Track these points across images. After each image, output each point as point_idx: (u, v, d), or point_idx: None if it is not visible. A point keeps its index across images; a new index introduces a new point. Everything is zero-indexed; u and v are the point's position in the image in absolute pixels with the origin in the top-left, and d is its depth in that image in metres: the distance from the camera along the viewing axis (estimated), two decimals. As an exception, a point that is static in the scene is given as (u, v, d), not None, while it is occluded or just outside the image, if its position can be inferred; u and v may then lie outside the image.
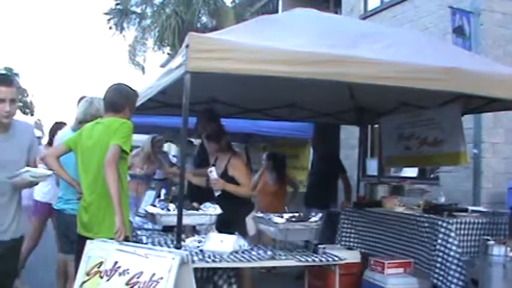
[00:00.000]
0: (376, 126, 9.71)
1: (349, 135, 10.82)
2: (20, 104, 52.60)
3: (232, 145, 6.55)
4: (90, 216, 4.57)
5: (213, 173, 5.90)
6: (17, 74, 51.74)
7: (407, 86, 5.12)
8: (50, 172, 4.55)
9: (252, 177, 9.24)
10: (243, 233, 5.64)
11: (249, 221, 6.24)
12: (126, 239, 4.27)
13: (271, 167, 8.83)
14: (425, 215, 6.59)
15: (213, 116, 6.96)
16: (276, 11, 16.14)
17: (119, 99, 4.73)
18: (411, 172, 10.44)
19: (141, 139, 10.00)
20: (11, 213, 4.26)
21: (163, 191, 6.76)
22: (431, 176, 10.08)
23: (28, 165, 4.27)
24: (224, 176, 6.07)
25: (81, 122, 5.21)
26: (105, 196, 4.42)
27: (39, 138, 9.26)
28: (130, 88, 4.88)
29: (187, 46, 4.50)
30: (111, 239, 4.19)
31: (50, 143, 7.06)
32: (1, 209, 4.20)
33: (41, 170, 4.43)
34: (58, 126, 7.36)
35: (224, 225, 5.53)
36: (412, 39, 6.42)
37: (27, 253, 7.13)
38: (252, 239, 5.63)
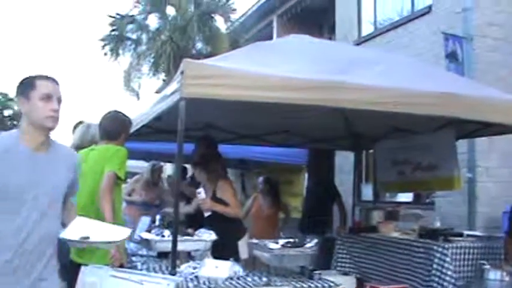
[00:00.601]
0: (371, 151, 9.73)
1: (344, 160, 10.82)
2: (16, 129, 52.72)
3: (221, 172, 6.56)
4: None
5: (201, 193, 5.95)
6: (12, 100, 51.82)
7: (402, 111, 5.15)
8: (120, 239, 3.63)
9: (246, 202, 9.29)
10: (235, 257, 5.62)
11: (241, 244, 6.24)
12: (121, 265, 4.26)
13: (267, 191, 8.83)
14: (421, 240, 6.59)
15: (210, 143, 7.01)
16: (271, 38, 16.24)
17: (114, 127, 4.78)
18: (406, 197, 10.45)
19: (139, 165, 10.00)
20: None
21: (158, 217, 6.74)
22: (427, 200, 10.08)
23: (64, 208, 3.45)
24: (213, 199, 6.13)
25: (78, 148, 5.22)
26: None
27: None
28: (125, 116, 4.93)
29: (182, 72, 4.52)
30: (106, 265, 4.18)
31: None
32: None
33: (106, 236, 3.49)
34: None
35: (215, 248, 5.52)
36: (405, 65, 6.47)
37: None
38: (246, 263, 5.61)
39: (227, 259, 5.16)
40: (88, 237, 3.40)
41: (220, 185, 6.25)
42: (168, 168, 21.87)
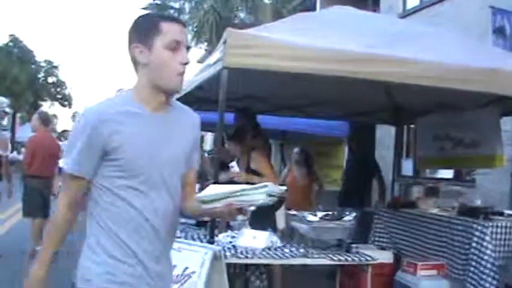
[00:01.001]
0: (412, 126, 9.61)
1: (385, 134, 10.73)
2: (59, 96, 53.42)
3: (258, 143, 6.56)
4: None
5: (235, 167, 5.97)
6: (56, 67, 52.46)
7: (447, 86, 5.07)
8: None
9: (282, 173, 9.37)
10: (272, 227, 5.65)
11: (279, 215, 6.26)
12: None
13: (302, 162, 8.86)
14: (460, 218, 6.51)
15: (249, 115, 7.01)
16: (314, 9, 16.06)
17: None
18: (447, 173, 10.33)
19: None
20: None
21: (197, 186, 6.79)
22: (468, 178, 9.95)
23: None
24: (248, 171, 6.14)
25: None
26: None
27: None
28: None
29: (224, 42, 4.51)
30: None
31: None
32: None
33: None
34: None
35: (253, 218, 5.54)
36: (451, 40, 6.34)
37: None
38: (283, 234, 5.63)
39: (264, 229, 5.19)
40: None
41: (254, 157, 6.26)
42: (209, 138, 22.07)
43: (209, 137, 21.39)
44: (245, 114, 7.06)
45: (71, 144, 2.48)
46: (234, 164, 6.09)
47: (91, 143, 2.41)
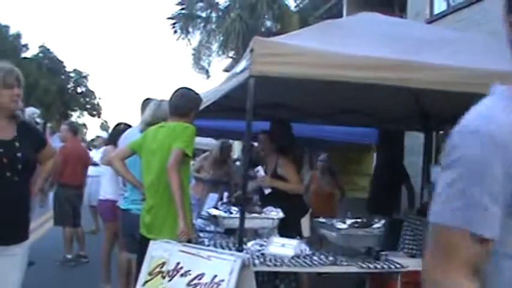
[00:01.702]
0: (442, 132, 9.54)
1: (414, 141, 10.65)
2: (88, 106, 54.01)
3: (287, 149, 6.56)
4: (152, 218, 4.67)
5: (260, 171, 5.97)
6: (85, 77, 53.10)
7: (476, 92, 5.01)
8: None
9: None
10: (298, 235, 5.64)
11: (304, 222, 6.26)
12: (189, 241, 4.33)
13: (326, 170, 8.94)
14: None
15: (287, 123, 7.05)
16: (341, 16, 16.05)
17: (185, 104, 4.82)
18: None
19: (207, 142, 10.13)
20: None
21: (225, 194, 6.81)
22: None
23: None
24: (274, 176, 6.15)
25: (149, 124, 5.30)
26: (166, 199, 4.51)
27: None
28: (195, 93, 4.96)
29: (251, 50, 4.52)
30: (174, 240, 4.26)
31: (113, 143, 7.20)
32: None
33: None
34: (120, 127, 7.55)
35: (278, 226, 5.54)
36: (480, 44, 6.28)
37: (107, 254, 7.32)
38: (312, 242, 5.62)
39: (289, 237, 5.18)
40: None
41: (281, 162, 6.26)
42: (237, 147, 22.11)
43: (237, 145, 21.44)
44: (281, 126, 7.09)
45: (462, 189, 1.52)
46: (259, 168, 6.09)
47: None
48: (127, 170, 5.07)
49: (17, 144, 3.73)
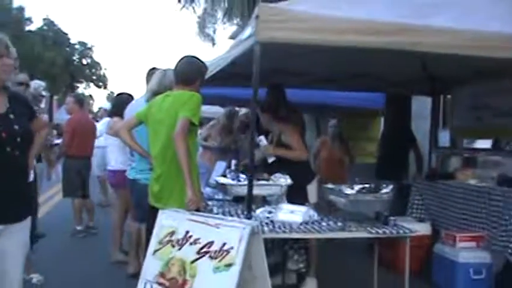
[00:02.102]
0: (449, 96, 9.48)
1: (421, 105, 10.58)
2: (94, 77, 53.97)
3: (288, 117, 6.53)
4: (160, 186, 4.67)
5: (263, 141, 5.96)
6: (90, 48, 52.96)
7: (483, 55, 4.97)
8: None
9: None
10: (304, 201, 5.64)
11: (310, 189, 6.26)
12: (197, 209, 4.34)
13: (336, 136, 8.97)
14: (500, 188, 6.43)
15: (279, 89, 7.01)
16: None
17: (190, 72, 4.78)
18: (485, 144, 10.18)
19: (214, 110, 10.11)
20: None
21: (233, 162, 6.81)
22: (507, 148, 9.80)
23: None
24: (278, 144, 6.20)
25: (154, 94, 5.27)
26: (174, 167, 4.50)
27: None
28: (201, 61, 4.92)
29: (257, 17, 4.49)
30: (183, 209, 4.27)
31: (115, 114, 7.21)
32: None
33: None
34: (122, 97, 7.57)
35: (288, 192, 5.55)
36: (486, 6, 6.20)
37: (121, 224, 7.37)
38: (320, 208, 5.62)
39: (296, 204, 5.19)
40: None
41: (285, 130, 6.27)
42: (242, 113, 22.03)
43: (243, 111, 21.34)
44: (275, 90, 7.05)
45: None
46: (262, 137, 6.07)
47: None
48: (134, 140, 5.07)
49: (11, 116, 3.52)
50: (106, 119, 10.02)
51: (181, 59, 4.86)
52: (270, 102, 6.59)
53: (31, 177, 3.92)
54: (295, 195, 5.57)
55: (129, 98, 7.48)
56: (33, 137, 3.75)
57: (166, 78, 5.42)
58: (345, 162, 9.39)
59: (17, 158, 3.50)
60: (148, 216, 4.67)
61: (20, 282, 3.69)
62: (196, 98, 4.57)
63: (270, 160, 6.09)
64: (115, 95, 7.91)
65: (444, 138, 9.76)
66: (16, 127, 3.49)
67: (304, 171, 6.24)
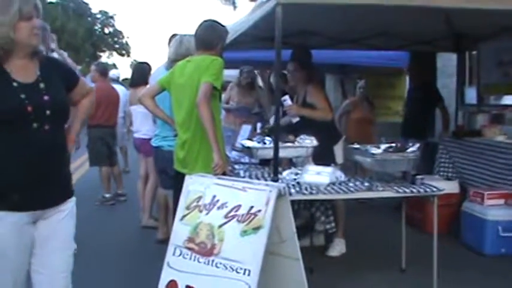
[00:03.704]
0: (475, 52, 9.34)
1: (446, 63, 10.45)
2: (117, 45, 54.05)
3: (312, 77, 6.48)
4: (186, 152, 4.68)
5: (287, 100, 5.90)
6: (112, 17, 52.97)
7: (507, 8, 4.86)
8: None
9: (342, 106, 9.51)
10: (331, 162, 5.61)
11: (337, 149, 6.24)
12: (224, 173, 4.35)
13: (365, 96, 9.02)
14: (529, 144, 6.37)
15: (306, 52, 6.95)
16: None
17: (210, 37, 4.75)
18: (512, 100, 10.07)
19: (236, 74, 10.07)
20: None
21: (259, 125, 6.80)
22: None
23: None
24: (303, 104, 6.15)
25: (173, 61, 5.26)
26: (199, 133, 4.51)
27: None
28: (221, 25, 4.87)
29: (278, -22, 4.43)
30: (209, 173, 4.28)
31: (138, 84, 7.27)
32: None
33: None
34: (141, 67, 7.61)
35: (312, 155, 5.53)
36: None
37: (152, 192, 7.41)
38: (346, 168, 5.61)
39: (322, 165, 5.17)
40: None
41: (310, 90, 6.24)
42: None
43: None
44: (302, 52, 7.00)
45: None
46: (286, 97, 6.01)
47: None
48: (157, 107, 5.07)
49: (41, 85, 3.04)
50: (117, 87, 10.10)
51: (201, 23, 4.83)
52: (305, 60, 6.50)
53: (72, 149, 3.43)
54: (322, 156, 5.54)
55: (149, 67, 7.51)
56: (68, 109, 3.23)
57: (183, 46, 5.41)
58: (373, 123, 9.41)
59: (47, 133, 3.02)
60: (175, 183, 4.69)
61: (66, 279, 3.27)
62: (218, 62, 4.54)
63: (294, 120, 6.04)
64: (134, 65, 7.90)
65: (471, 94, 9.65)
66: (46, 97, 3.02)
67: (329, 131, 6.21)
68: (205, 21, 4.86)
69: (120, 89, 7.87)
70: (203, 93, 4.38)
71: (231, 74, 12.63)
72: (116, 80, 12.05)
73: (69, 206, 3.27)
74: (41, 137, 2.99)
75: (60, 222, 3.19)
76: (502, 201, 6.36)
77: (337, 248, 6.15)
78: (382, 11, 5.38)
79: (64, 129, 3.28)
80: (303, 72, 6.35)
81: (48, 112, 3.00)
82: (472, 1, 4.69)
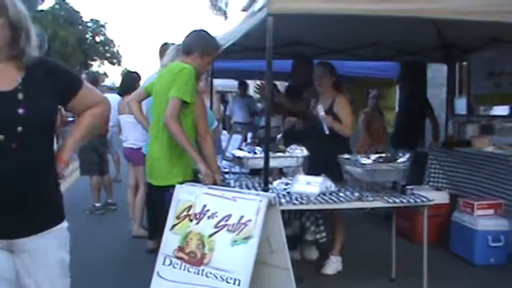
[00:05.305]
0: (465, 63, 9.40)
1: (436, 73, 10.51)
2: (108, 54, 53.91)
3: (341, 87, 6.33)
4: (159, 164, 4.64)
5: (321, 109, 5.79)
6: (103, 26, 52.84)
7: (498, 20, 4.89)
8: None
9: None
10: (340, 176, 5.54)
11: None
12: (214, 183, 4.34)
13: (376, 106, 9.11)
14: (517, 155, 6.39)
15: (308, 59, 6.96)
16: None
17: (190, 42, 4.70)
18: (502, 110, 10.10)
19: (229, 84, 10.10)
20: None
21: (249, 135, 6.80)
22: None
23: None
24: (329, 113, 5.91)
25: None
26: (170, 145, 4.47)
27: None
28: (210, 37, 4.82)
29: (269, -12, 4.45)
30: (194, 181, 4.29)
31: (126, 93, 7.26)
32: None
33: None
34: (130, 76, 7.63)
35: (323, 166, 5.46)
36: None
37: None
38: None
39: (332, 178, 5.16)
40: None
41: (339, 101, 6.01)
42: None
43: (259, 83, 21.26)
44: (303, 61, 7.03)
45: None
46: (320, 106, 5.81)
47: None
48: (141, 113, 5.08)
49: (20, 96, 2.54)
50: (110, 96, 10.05)
51: (191, 31, 4.81)
52: (331, 68, 6.24)
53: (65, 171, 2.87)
54: (332, 170, 5.46)
55: (138, 77, 7.53)
56: (51, 125, 2.72)
57: (179, 54, 5.41)
58: (386, 132, 9.43)
59: (15, 153, 2.53)
60: (149, 195, 4.68)
61: None
62: (187, 72, 4.45)
63: (327, 131, 5.81)
64: (123, 74, 7.92)
65: (461, 105, 9.70)
66: (21, 111, 2.53)
67: (344, 146, 6.00)
68: (196, 29, 4.84)
69: (115, 97, 7.84)
70: (170, 110, 4.33)
71: (228, 84, 12.63)
72: (112, 89, 12.05)
73: (56, 233, 2.79)
74: (7, 156, 2.52)
75: (45, 252, 2.74)
76: (491, 211, 6.38)
77: (333, 266, 5.97)
78: (372, 22, 5.40)
79: (50, 148, 2.75)
80: (332, 79, 6.11)
81: (20, 129, 2.52)
82: (461, 13, 4.71)
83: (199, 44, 4.71)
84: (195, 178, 4.49)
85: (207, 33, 4.83)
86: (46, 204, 2.73)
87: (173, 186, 4.23)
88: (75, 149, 2.92)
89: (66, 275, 2.89)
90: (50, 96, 2.66)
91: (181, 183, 4.23)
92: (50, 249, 2.75)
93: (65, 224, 2.87)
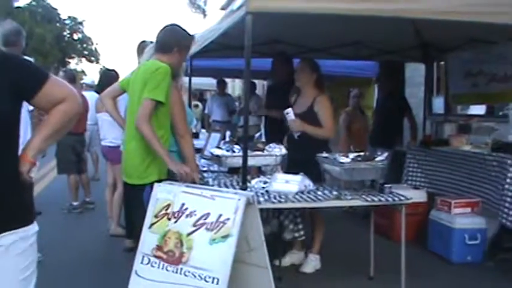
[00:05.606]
0: (442, 63, 9.46)
1: (414, 72, 10.57)
2: (86, 52, 53.62)
3: (323, 86, 6.19)
4: (134, 163, 4.60)
5: (290, 114, 5.73)
6: (81, 23, 52.54)
7: (476, 20, 4.93)
8: None
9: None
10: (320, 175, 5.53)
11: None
12: (193, 182, 4.33)
13: (357, 106, 9.13)
14: (494, 154, 6.44)
15: (288, 58, 6.97)
16: None
17: (167, 39, 4.63)
18: (479, 110, 10.18)
19: (207, 82, 10.07)
20: None
21: (228, 133, 6.79)
22: (501, 113, 9.81)
23: None
24: (309, 112, 5.85)
25: None
26: (146, 144, 4.43)
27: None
28: (184, 30, 4.76)
29: (247, -14, 4.44)
30: (169, 179, 4.28)
31: (103, 91, 7.22)
32: None
33: None
34: (108, 74, 7.58)
35: (301, 166, 5.44)
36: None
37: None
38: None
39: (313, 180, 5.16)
40: None
41: (320, 100, 5.92)
42: (237, 85, 21.99)
43: (237, 83, 21.28)
44: (283, 59, 7.03)
45: None
46: (290, 110, 5.75)
47: None
48: (115, 108, 5.04)
49: None
50: (89, 93, 9.96)
51: (163, 27, 4.75)
52: (313, 64, 6.18)
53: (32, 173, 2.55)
54: (311, 168, 5.42)
55: (116, 75, 7.49)
56: (9, 124, 2.47)
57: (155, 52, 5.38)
58: (368, 131, 9.41)
59: None
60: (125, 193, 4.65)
61: None
62: (162, 71, 4.40)
63: (296, 135, 5.83)
64: (102, 72, 7.87)
65: (438, 104, 9.76)
66: None
67: (323, 148, 5.93)
68: (167, 25, 4.78)
69: (93, 95, 7.80)
70: (141, 111, 4.30)
71: (204, 82, 12.58)
72: (92, 86, 11.98)
73: (12, 239, 2.49)
74: None
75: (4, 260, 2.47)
76: (468, 209, 6.44)
77: (312, 264, 5.99)
78: (351, 21, 5.41)
79: (10, 148, 2.49)
80: (313, 76, 6.04)
81: None
82: (440, 13, 4.75)
83: (176, 39, 4.65)
84: (170, 177, 4.47)
85: (180, 26, 4.77)
86: (7, 208, 2.46)
87: (149, 185, 4.22)
88: (44, 148, 2.61)
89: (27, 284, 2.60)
90: (6, 94, 2.41)
91: (157, 181, 4.22)
92: (7, 256, 2.49)
93: (33, 228, 2.64)
